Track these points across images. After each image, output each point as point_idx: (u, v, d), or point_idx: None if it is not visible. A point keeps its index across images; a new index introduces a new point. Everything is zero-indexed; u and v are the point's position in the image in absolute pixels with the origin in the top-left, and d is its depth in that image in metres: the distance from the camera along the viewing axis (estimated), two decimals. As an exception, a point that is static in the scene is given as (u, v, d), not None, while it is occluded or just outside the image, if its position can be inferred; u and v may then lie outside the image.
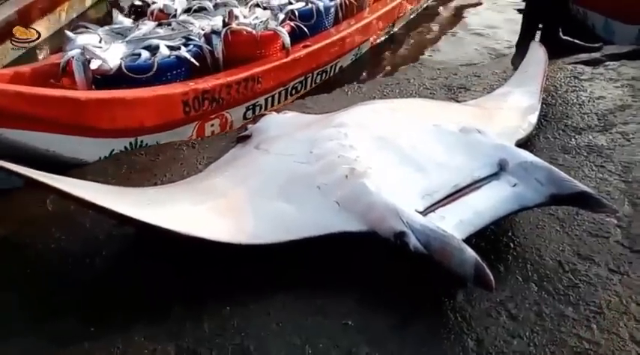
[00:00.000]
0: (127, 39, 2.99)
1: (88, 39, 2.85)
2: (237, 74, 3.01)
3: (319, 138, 1.84)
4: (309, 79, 3.62)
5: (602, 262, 1.60)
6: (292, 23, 3.43)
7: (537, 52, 2.74)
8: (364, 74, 4.10)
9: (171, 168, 2.32)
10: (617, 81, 2.81)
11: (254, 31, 3.12)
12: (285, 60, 3.26)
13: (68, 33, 2.91)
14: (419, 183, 1.63)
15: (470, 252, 1.38)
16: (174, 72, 2.82)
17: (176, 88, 2.75)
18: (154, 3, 3.52)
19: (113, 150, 2.51)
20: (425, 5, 5.25)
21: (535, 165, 1.64)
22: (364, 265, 1.58)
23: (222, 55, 3.02)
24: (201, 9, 3.48)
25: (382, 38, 4.55)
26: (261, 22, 3.19)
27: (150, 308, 1.55)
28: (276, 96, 3.35)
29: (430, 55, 4.41)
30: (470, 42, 4.52)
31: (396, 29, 4.73)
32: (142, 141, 2.60)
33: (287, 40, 3.22)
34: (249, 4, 3.52)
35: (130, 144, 2.57)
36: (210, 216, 1.65)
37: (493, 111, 2.26)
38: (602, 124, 2.38)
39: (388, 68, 4.25)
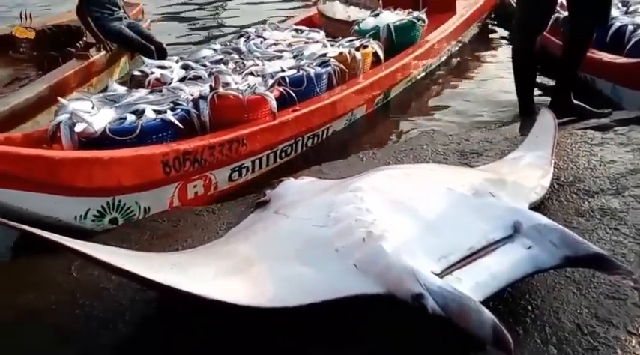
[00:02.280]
0: (116, 105, 3.14)
1: (79, 105, 3.02)
2: (221, 136, 3.11)
3: (337, 203, 1.90)
4: (299, 143, 3.73)
5: (620, 324, 1.60)
6: (281, 88, 3.59)
7: (547, 118, 2.81)
8: (365, 138, 4.21)
9: (193, 234, 2.39)
10: (627, 145, 2.87)
11: (241, 96, 3.27)
12: (271, 123, 3.37)
13: (61, 100, 3.10)
14: (435, 246, 1.67)
15: (488, 313, 1.40)
16: (160, 135, 2.94)
17: (156, 149, 2.83)
18: (152, 73, 3.71)
19: (89, 209, 2.58)
20: (424, 73, 5.33)
21: (548, 227, 1.68)
22: (378, 328, 1.60)
23: (208, 118, 3.15)
24: (197, 77, 3.66)
25: (379, 104, 4.66)
26: (248, 86, 3.35)
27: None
28: (264, 158, 3.45)
29: (434, 120, 4.50)
30: (474, 108, 4.64)
31: (393, 95, 4.83)
32: (119, 201, 2.66)
33: (273, 103, 3.36)
34: (244, 73, 3.69)
35: (107, 203, 2.63)
36: (231, 280, 1.68)
37: (506, 176, 2.31)
38: (615, 188, 2.42)
39: (390, 134, 4.36)
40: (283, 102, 3.56)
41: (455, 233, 1.73)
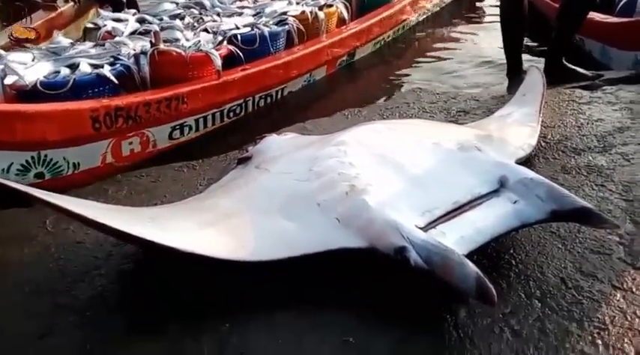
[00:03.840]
0: (54, 58, 3.05)
1: (16, 56, 2.95)
2: (158, 93, 3.04)
3: (319, 157, 1.84)
4: (250, 103, 3.64)
5: (605, 279, 1.58)
6: (231, 47, 3.49)
7: (534, 76, 2.76)
8: (345, 96, 4.11)
9: (172, 189, 2.33)
10: (615, 104, 2.83)
11: (183, 53, 3.18)
12: (215, 82, 3.29)
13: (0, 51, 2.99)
14: (419, 200, 1.63)
15: (471, 266, 1.37)
16: (96, 90, 2.87)
17: (84, 104, 2.77)
18: (104, 26, 3.61)
19: (12, 162, 2.53)
20: (394, 35, 5.16)
21: (535, 181, 1.64)
22: (364, 281, 1.57)
23: (148, 74, 3.07)
24: (147, 32, 3.56)
25: (342, 65, 4.50)
26: (194, 44, 3.26)
27: (148, 327, 1.53)
28: (209, 117, 3.38)
29: (420, 80, 4.38)
30: (460, 68, 4.54)
31: (357, 58, 4.68)
32: (45, 156, 2.61)
33: (218, 61, 3.28)
34: (198, 29, 3.59)
35: (32, 157, 2.58)
36: (210, 234, 1.64)
37: (493, 132, 2.27)
38: (602, 145, 2.38)
39: (374, 91, 4.23)
40: (234, 60, 3.48)
41: (440, 187, 1.69)
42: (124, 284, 1.72)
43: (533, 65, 2.99)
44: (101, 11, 4.18)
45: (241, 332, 1.47)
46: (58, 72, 2.91)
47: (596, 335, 1.40)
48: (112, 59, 3.08)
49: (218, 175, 2.35)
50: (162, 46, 3.14)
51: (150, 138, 3.05)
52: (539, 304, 1.50)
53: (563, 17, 3.39)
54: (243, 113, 3.60)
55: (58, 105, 2.67)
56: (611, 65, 3.95)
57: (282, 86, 3.88)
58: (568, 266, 1.64)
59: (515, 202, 1.64)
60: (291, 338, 1.44)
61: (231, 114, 3.52)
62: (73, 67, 2.96)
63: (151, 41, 3.19)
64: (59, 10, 4.71)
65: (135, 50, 3.18)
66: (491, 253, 1.69)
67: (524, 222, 1.61)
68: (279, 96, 3.90)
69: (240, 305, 1.56)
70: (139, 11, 4.37)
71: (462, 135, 2.00)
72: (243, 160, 2.35)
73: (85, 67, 2.92)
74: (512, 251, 1.72)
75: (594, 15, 4.11)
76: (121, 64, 3.04)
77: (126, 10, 4.27)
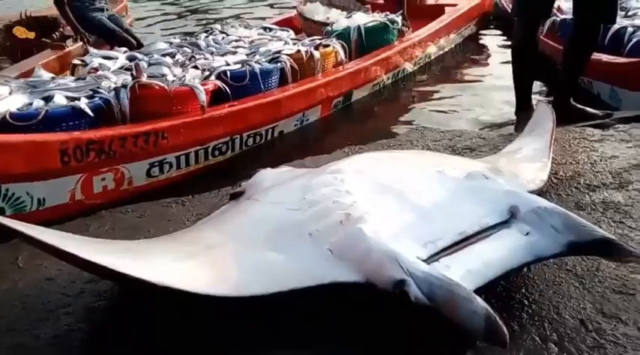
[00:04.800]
0: (30, 90, 2.94)
1: None
2: (135, 127, 2.88)
3: (313, 185, 1.70)
4: (237, 141, 3.47)
5: (629, 321, 1.40)
6: (218, 82, 3.36)
7: (544, 111, 2.63)
8: (345, 136, 3.92)
9: (158, 225, 2.18)
10: (629, 142, 2.69)
11: (166, 86, 3.05)
12: (198, 117, 3.13)
13: None
14: (421, 230, 1.47)
15: (480, 302, 1.21)
16: (71, 123, 2.73)
17: (52, 136, 2.61)
18: (92, 62, 3.53)
19: None
20: (394, 78, 5.02)
21: (550, 210, 1.49)
22: (360, 321, 1.40)
23: (128, 109, 2.94)
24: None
25: (338, 107, 4.35)
26: (177, 78, 3.14)
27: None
28: (192, 155, 3.20)
29: (423, 120, 4.23)
30: (465, 111, 4.42)
31: (354, 99, 4.54)
32: (7, 190, 2.46)
33: (202, 96, 3.14)
34: (188, 66, 3.49)
35: None
36: (188, 266, 1.48)
37: (501, 166, 2.12)
38: (618, 182, 2.23)
39: (375, 132, 4.04)
40: (222, 97, 3.35)
41: (444, 217, 1.53)
42: (92, 323, 1.55)
43: (542, 101, 2.87)
44: (91, 49, 4.12)
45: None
46: (31, 104, 2.80)
47: (623, 383, 1.21)
48: (90, 92, 2.96)
49: (208, 211, 2.20)
50: (144, 79, 3.03)
51: (125, 174, 2.89)
52: (557, 348, 1.32)
53: (569, 57, 3.30)
54: (229, 152, 3.45)
55: (23, 136, 2.53)
56: (621, 107, 3.83)
57: (273, 125, 3.73)
58: (587, 307, 1.47)
59: (527, 234, 1.48)
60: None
61: (217, 152, 3.35)
62: (49, 99, 2.85)
63: (132, 74, 3.09)
64: (67, 50, 4.67)
65: (116, 84, 3.07)
66: (500, 292, 1.53)
67: (538, 255, 1.45)
68: (269, 135, 3.75)
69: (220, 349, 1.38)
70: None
71: (469, 165, 1.86)
72: (236, 195, 2.20)
73: (59, 99, 2.80)
74: (524, 290, 1.54)
75: (602, 56, 4.02)
76: (100, 98, 2.91)
77: (117, 48, 4.21)
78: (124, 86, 3.00)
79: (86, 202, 2.74)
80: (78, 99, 2.86)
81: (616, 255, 1.39)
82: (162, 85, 3.07)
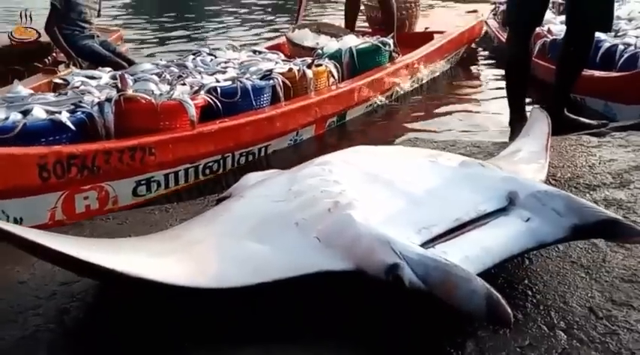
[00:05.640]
0: (6, 105, 2.81)
1: None
2: (120, 142, 2.73)
3: (299, 177, 1.61)
4: (229, 159, 3.33)
5: (643, 308, 1.30)
6: (207, 97, 3.23)
7: (538, 116, 2.57)
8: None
9: (139, 231, 2.06)
10: (626, 147, 2.62)
11: (153, 100, 2.91)
12: (188, 133, 3.00)
13: None
14: (414, 216, 1.38)
15: (479, 281, 1.11)
16: (51, 138, 2.57)
17: (30, 150, 2.45)
18: (73, 80, 3.40)
19: None
20: (386, 100, 4.92)
21: (551, 194, 1.40)
22: (349, 307, 1.29)
23: (113, 124, 2.79)
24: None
25: (332, 126, 4.26)
26: (165, 92, 3.01)
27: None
28: (181, 173, 3.05)
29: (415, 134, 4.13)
30: (457, 128, 4.33)
31: (348, 119, 4.45)
32: None
33: (192, 110, 3.01)
34: (176, 83, 3.36)
35: None
36: (165, 259, 1.38)
37: (499, 166, 2.05)
38: (618, 182, 2.15)
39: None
40: (213, 114, 3.22)
41: (439, 203, 1.44)
42: (62, 324, 1.43)
43: (535, 107, 2.81)
44: (73, 69, 4.02)
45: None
46: (7, 118, 2.66)
47: (640, 370, 1.11)
48: (72, 106, 2.82)
49: (192, 217, 2.10)
50: (129, 92, 2.89)
51: (110, 193, 2.73)
52: (565, 336, 1.22)
53: (562, 67, 3.26)
54: (221, 170, 3.32)
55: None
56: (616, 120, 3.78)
57: (266, 144, 3.62)
58: (596, 295, 1.36)
59: (528, 220, 1.38)
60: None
61: (207, 170, 3.21)
62: (27, 113, 2.70)
63: (117, 87, 2.96)
64: (59, 74, 4.60)
65: (100, 98, 2.94)
66: (502, 283, 1.42)
67: (541, 241, 1.35)
68: (262, 154, 3.63)
69: (196, 345, 1.27)
70: None
71: (464, 157, 1.77)
72: (222, 200, 2.11)
73: (38, 113, 2.65)
74: (526, 281, 1.44)
75: (594, 72, 4.00)
76: (83, 112, 2.76)
77: (100, 68, 4.13)
78: (108, 100, 2.87)
79: (67, 223, 2.53)
80: (59, 113, 2.71)
81: (623, 235, 1.29)
82: (149, 98, 2.93)
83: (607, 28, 3.10)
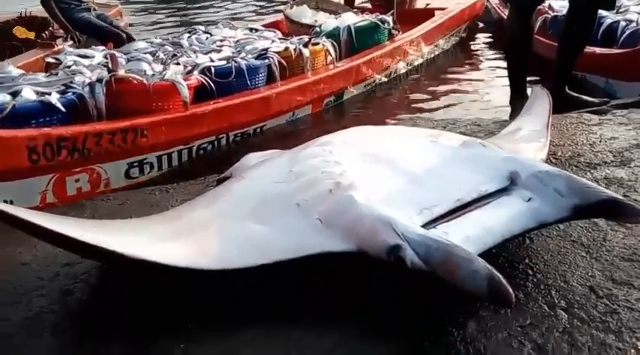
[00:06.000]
0: None
1: None
2: (111, 123, 2.70)
3: (300, 157, 1.61)
4: (223, 140, 3.29)
5: (643, 287, 1.31)
6: (201, 77, 3.18)
7: (540, 94, 2.56)
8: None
9: (140, 212, 2.06)
10: (628, 125, 2.61)
11: (145, 81, 2.87)
12: (181, 114, 2.95)
13: None
14: (416, 197, 1.38)
15: (481, 261, 1.11)
16: (42, 120, 2.54)
17: (19, 132, 2.42)
18: (66, 60, 3.35)
19: None
20: (386, 78, 4.88)
21: (552, 174, 1.40)
22: (351, 288, 1.30)
23: (104, 105, 2.76)
24: None
25: (329, 105, 4.22)
26: (157, 72, 2.97)
27: (85, 351, 1.25)
28: (175, 154, 3.01)
29: (416, 114, 4.11)
30: (459, 106, 4.32)
31: (346, 97, 4.41)
32: None
33: (185, 91, 2.96)
34: (169, 62, 3.32)
35: None
36: (166, 241, 1.39)
37: (499, 145, 2.04)
38: (619, 160, 2.15)
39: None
40: (207, 95, 3.19)
41: (440, 184, 1.44)
42: (65, 305, 1.44)
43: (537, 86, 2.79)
44: (66, 47, 3.98)
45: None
46: None
47: (640, 348, 1.12)
48: (62, 87, 2.78)
49: (193, 197, 2.10)
50: (120, 73, 2.86)
51: (102, 175, 2.71)
52: (566, 315, 1.22)
53: (564, 45, 3.24)
54: (215, 150, 3.30)
55: None
56: (617, 97, 3.76)
57: (262, 124, 3.59)
58: (596, 274, 1.37)
59: (529, 199, 1.38)
60: None
61: (202, 152, 3.19)
62: (17, 94, 2.66)
63: (107, 67, 2.92)
64: (56, 49, 4.55)
65: (91, 79, 2.89)
66: (502, 263, 1.43)
67: (542, 221, 1.35)
68: (256, 134, 3.61)
69: (199, 324, 1.28)
70: None
71: (464, 137, 1.76)
72: (223, 180, 2.11)
73: (28, 94, 2.61)
74: (527, 261, 1.45)
75: (595, 49, 3.97)
76: (73, 93, 2.73)
77: (94, 47, 4.08)
78: (99, 80, 2.83)
79: (59, 205, 2.51)
80: (49, 94, 2.68)
81: (625, 215, 1.29)
82: (140, 78, 2.90)
83: (610, 5, 3.07)
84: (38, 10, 5.13)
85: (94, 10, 5.02)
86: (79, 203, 2.19)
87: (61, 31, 4.83)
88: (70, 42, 4.68)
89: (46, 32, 4.86)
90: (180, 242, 1.37)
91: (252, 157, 2.13)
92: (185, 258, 1.30)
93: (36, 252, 1.72)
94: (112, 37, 4.71)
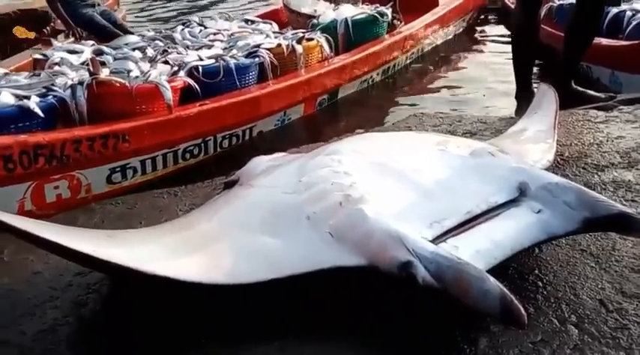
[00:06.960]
0: None
1: None
2: (91, 129, 2.62)
3: (309, 167, 1.61)
4: (210, 143, 3.21)
5: (652, 300, 1.32)
6: (188, 79, 3.10)
7: (546, 92, 2.55)
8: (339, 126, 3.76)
9: (149, 216, 2.08)
10: (634, 122, 2.61)
11: (128, 84, 2.80)
12: (164, 118, 2.88)
13: None
14: (426, 210, 1.38)
15: (493, 281, 1.12)
16: (20, 125, 2.47)
17: None
18: (53, 56, 3.29)
19: None
20: (384, 75, 4.79)
21: (562, 186, 1.40)
22: (362, 304, 1.31)
23: (86, 108, 2.68)
24: (101, 63, 3.20)
25: (323, 105, 4.10)
26: (141, 73, 2.89)
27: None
28: (159, 158, 2.94)
29: (421, 107, 4.07)
30: (464, 100, 4.30)
31: (340, 96, 4.29)
32: None
33: (168, 94, 2.89)
34: (158, 61, 3.25)
35: None
36: (178, 254, 1.39)
37: (506, 148, 2.04)
38: (627, 161, 2.15)
39: (371, 120, 3.85)
40: (195, 96, 3.13)
41: (450, 196, 1.44)
42: (79, 317, 1.46)
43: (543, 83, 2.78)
44: (55, 42, 3.92)
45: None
46: None
47: (650, 365, 1.13)
48: (43, 90, 2.70)
49: (202, 201, 2.11)
50: (102, 76, 2.80)
51: (82, 181, 2.65)
52: (577, 330, 1.24)
53: (571, 39, 3.21)
54: (202, 155, 3.23)
55: None
56: (622, 91, 3.75)
57: (251, 125, 3.49)
58: (606, 287, 1.38)
59: (539, 211, 1.39)
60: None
61: (188, 155, 3.11)
62: None
63: (89, 69, 2.84)
64: (56, 45, 4.53)
65: (73, 80, 2.82)
66: (512, 274, 1.44)
67: (552, 234, 1.36)
68: (247, 136, 3.51)
69: (213, 340, 1.29)
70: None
71: (473, 144, 1.76)
72: (230, 184, 2.11)
73: (6, 98, 2.53)
74: (537, 271, 1.46)
75: (601, 40, 3.94)
76: (54, 96, 2.66)
77: (83, 42, 4.02)
78: (81, 83, 2.76)
79: (37, 213, 2.48)
80: (28, 98, 2.59)
81: (635, 229, 1.30)
82: (122, 81, 2.82)
83: (617, 2, 3.05)
84: (40, 5, 5.10)
85: (98, 5, 4.98)
86: (89, 207, 2.20)
87: (63, 26, 4.79)
88: (72, 39, 4.65)
89: (48, 28, 4.83)
90: (192, 256, 1.38)
91: (259, 161, 2.13)
92: (196, 272, 1.31)
93: (47, 259, 1.74)
94: (112, 38, 4.68)
